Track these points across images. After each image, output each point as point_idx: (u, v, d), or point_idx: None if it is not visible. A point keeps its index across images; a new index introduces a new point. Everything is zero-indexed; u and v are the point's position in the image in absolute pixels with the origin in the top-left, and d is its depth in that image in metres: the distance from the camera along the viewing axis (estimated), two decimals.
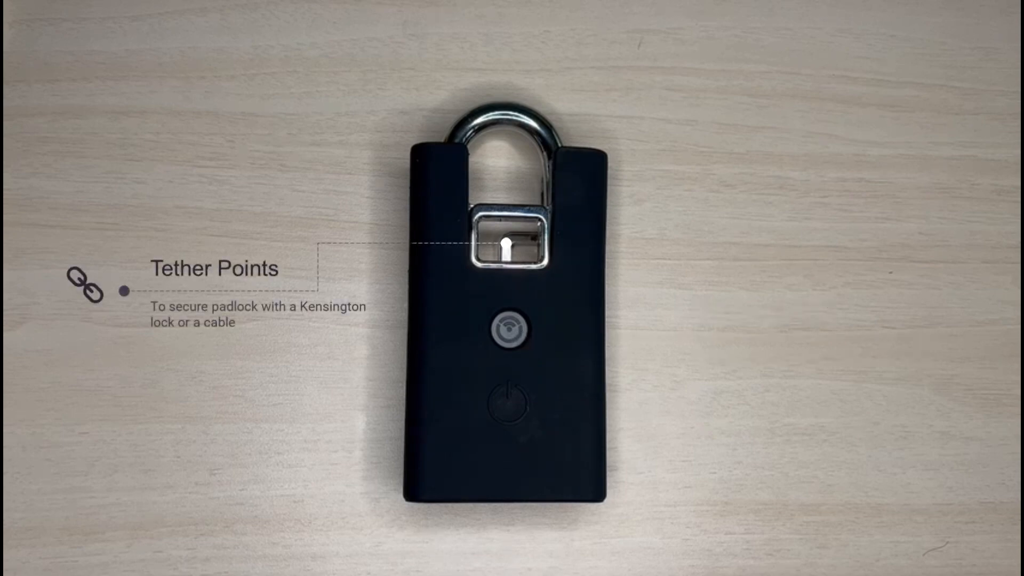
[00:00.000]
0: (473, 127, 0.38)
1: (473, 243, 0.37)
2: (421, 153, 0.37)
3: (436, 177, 0.37)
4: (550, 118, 0.39)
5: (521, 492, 0.36)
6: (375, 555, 0.38)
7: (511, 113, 0.38)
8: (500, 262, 0.37)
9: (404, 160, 0.38)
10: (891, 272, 0.41)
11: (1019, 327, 0.41)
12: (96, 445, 0.38)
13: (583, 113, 0.40)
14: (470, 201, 0.37)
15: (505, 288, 0.37)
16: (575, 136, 0.40)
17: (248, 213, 0.39)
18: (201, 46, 0.40)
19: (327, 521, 0.38)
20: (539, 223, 0.37)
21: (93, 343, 0.38)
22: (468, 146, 0.38)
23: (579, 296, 0.37)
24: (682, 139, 0.41)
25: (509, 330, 0.36)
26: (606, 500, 0.37)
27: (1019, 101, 0.42)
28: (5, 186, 0.39)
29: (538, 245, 0.37)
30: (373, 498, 0.38)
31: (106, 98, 0.39)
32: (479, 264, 0.37)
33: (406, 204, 0.38)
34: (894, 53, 0.42)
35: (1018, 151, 0.42)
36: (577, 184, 0.37)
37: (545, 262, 0.37)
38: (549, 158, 0.38)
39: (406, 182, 0.38)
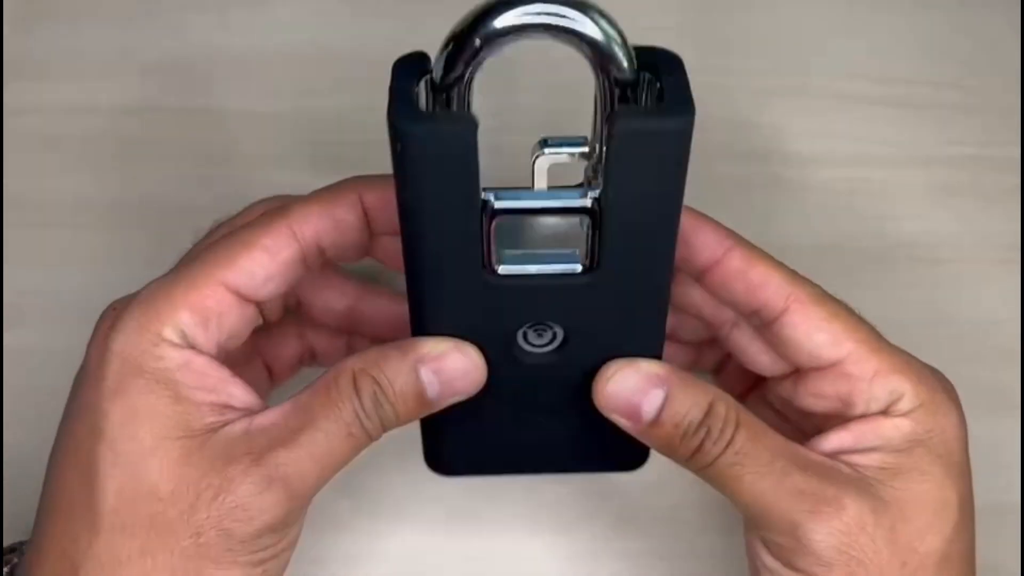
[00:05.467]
0: (484, 41, 0.24)
1: (491, 247, 0.26)
2: (405, 139, 0.25)
3: (431, 175, 0.25)
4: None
5: (555, 465, 0.32)
6: (374, 557, 0.38)
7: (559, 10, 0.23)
8: (529, 263, 0.27)
9: None
10: (892, 272, 0.41)
11: (1019, 327, 0.41)
12: None
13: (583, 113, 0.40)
14: (482, 189, 0.25)
15: (536, 300, 0.27)
16: None
17: None
18: (201, 45, 0.40)
19: (326, 523, 0.38)
20: (584, 220, 0.26)
21: None
22: (481, 73, 0.25)
23: (634, 314, 0.27)
24: None
25: (540, 336, 0.28)
26: (606, 500, 0.37)
27: (1020, 99, 0.42)
28: (5, 186, 0.39)
29: (585, 241, 0.27)
30: (372, 499, 0.38)
31: (105, 97, 0.39)
32: (500, 274, 0.26)
33: None
34: (896, 51, 0.42)
35: (1021, 150, 0.42)
36: (643, 175, 0.25)
37: (590, 266, 0.26)
38: (611, 102, 0.25)
39: None
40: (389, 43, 0.40)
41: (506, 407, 0.30)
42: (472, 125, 0.24)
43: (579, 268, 0.26)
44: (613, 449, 0.30)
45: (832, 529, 0.27)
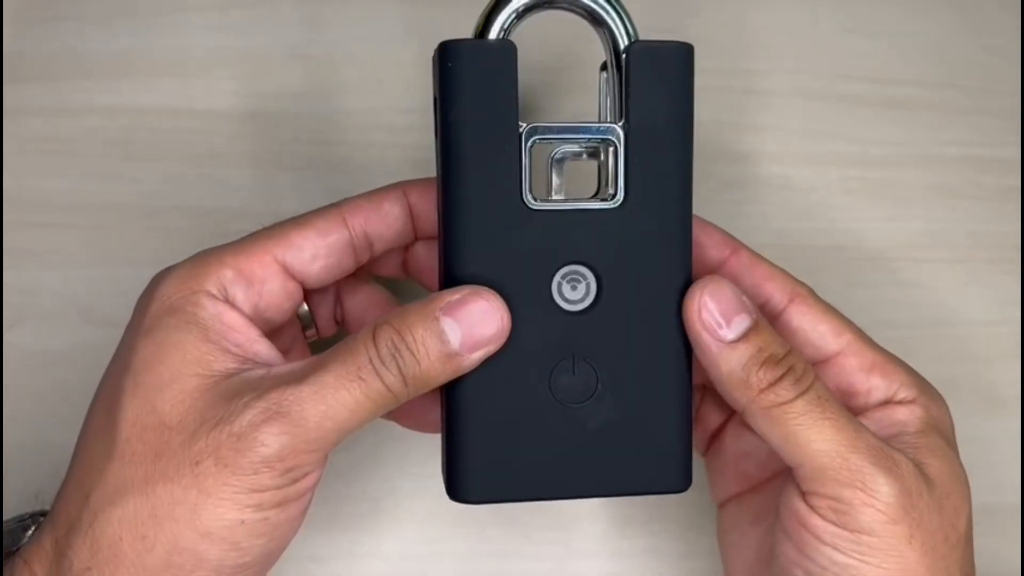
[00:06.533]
0: (517, 10, 0.29)
1: (527, 175, 0.28)
2: (453, 55, 0.28)
3: (475, 87, 0.28)
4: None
5: (592, 486, 0.30)
6: (375, 557, 0.38)
7: None
8: (563, 199, 0.29)
9: (404, 159, 0.38)
10: (893, 272, 0.41)
11: (1019, 327, 0.41)
12: None
13: (584, 113, 0.40)
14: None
15: (569, 234, 0.29)
16: None
17: (248, 213, 0.39)
18: (200, 44, 0.40)
19: (327, 522, 0.38)
20: (611, 146, 0.29)
21: (93, 343, 0.38)
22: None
23: (663, 241, 0.29)
24: None
25: (574, 289, 0.29)
26: (606, 500, 0.37)
27: (1020, 100, 0.42)
28: (5, 186, 0.39)
29: (601, 173, 0.30)
30: (373, 499, 0.38)
31: (105, 97, 0.39)
32: (535, 204, 0.29)
33: None
34: (897, 52, 0.42)
35: (1021, 150, 0.42)
36: (658, 92, 0.29)
37: (620, 198, 0.29)
38: (616, 58, 0.29)
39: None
40: (389, 46, 0.40)
41: (539, 385, 0.29)
42: (512, 46, 0.28)
43: (610, 201, 0.29)
44: (654, 462, 0.30)
45: (902, 487, 0.27)
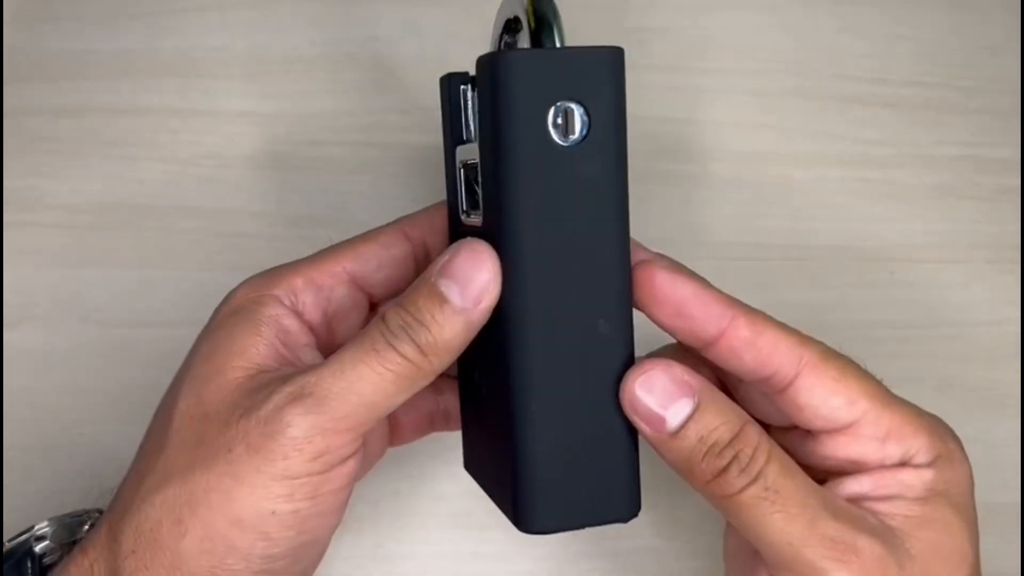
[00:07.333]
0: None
1: (461, 193, 0.30)
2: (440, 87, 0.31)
3: (442, 116, 0.31)
4: None
5: (494, 496, 0.30)
6: (375, 558, 0.38)
7: None
8: (471, 215, 0.30)
9: (404, 159, 0.38)
10: (893, 272, 0.41)
11: (1019, 327, 0.41)
12: (96, 445, 0.38)
13: None
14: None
15: None
16: None
17: (248, 213, 0.39)
18: (200, 45, 0.40)
19: None
20: (473, 166, 0.29)
21: (93, 343, 0.38)
22: None
23: (509, 266, 0.26)
24: (682, 139, 0.40)
25: None
26: None
27: (1020, 100, 0.42)
28: (5, 186, 0.39)
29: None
30: (373, 500, 0.38)
31: (105, 97, 0.39)
32: (464, 220, 0.30)
33: (406, 204, 0.38)
34: (897, 52, 0.42)
35: (1021, 151, 0.42)
36: (486, 108, 0.26)
37: (479, 219, 0.28)
38: None
39: (405, 182, 0.38)
40: (388, 46, 0.40)
41: (472, 383, 0.30)
42: (455, 77, 0.29)
43: (476, 219, 0.28)
44: (514, 482, 0.27)
45: None
